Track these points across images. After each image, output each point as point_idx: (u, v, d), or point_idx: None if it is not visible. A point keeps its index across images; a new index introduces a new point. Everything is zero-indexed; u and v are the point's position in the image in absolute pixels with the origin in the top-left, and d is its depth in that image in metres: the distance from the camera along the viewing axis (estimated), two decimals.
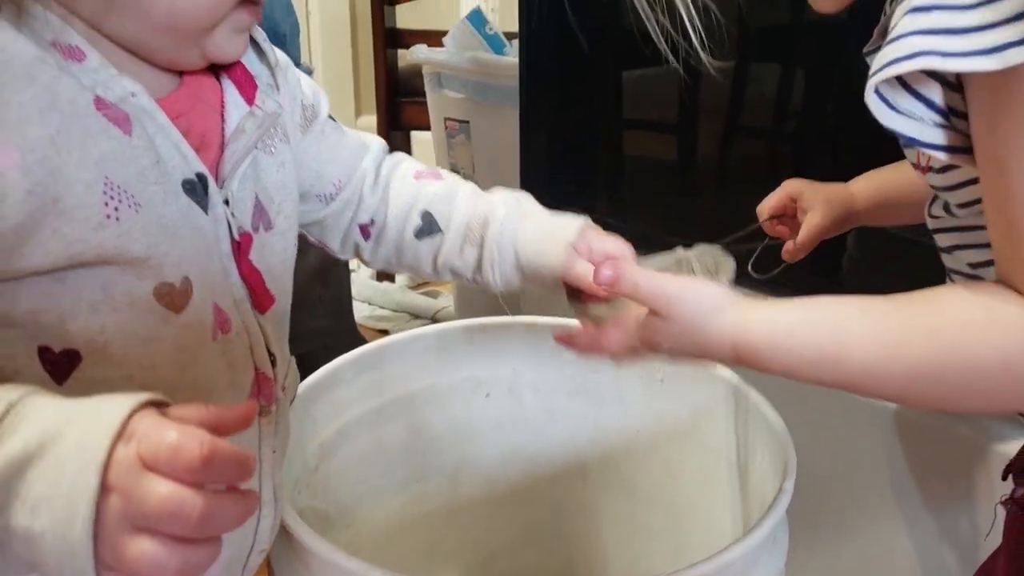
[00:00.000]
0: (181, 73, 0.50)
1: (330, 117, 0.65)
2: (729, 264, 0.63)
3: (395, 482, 0.88)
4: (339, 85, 2.98)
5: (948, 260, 0.63)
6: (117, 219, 0.44)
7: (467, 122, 1.64)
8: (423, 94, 1.77)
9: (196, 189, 0.48)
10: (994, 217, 0.47)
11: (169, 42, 0.47)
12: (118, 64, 0.45)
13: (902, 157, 0.63)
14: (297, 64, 0.63)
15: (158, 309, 0.47)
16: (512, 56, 1.55)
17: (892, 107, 0.46)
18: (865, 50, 0.56)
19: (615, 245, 0.63)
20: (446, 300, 2.01)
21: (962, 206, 0.56)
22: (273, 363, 0.55)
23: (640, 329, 0.55)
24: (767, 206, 0.85)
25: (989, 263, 0.56)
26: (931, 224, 0.62)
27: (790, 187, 0.84)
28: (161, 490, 0.33)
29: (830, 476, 0.95)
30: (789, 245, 0.84)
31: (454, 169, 1.68)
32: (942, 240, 0.62)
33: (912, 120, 0.47)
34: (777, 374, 0.51)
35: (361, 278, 2.11)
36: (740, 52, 1.13)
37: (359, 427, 0.83)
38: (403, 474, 0.89)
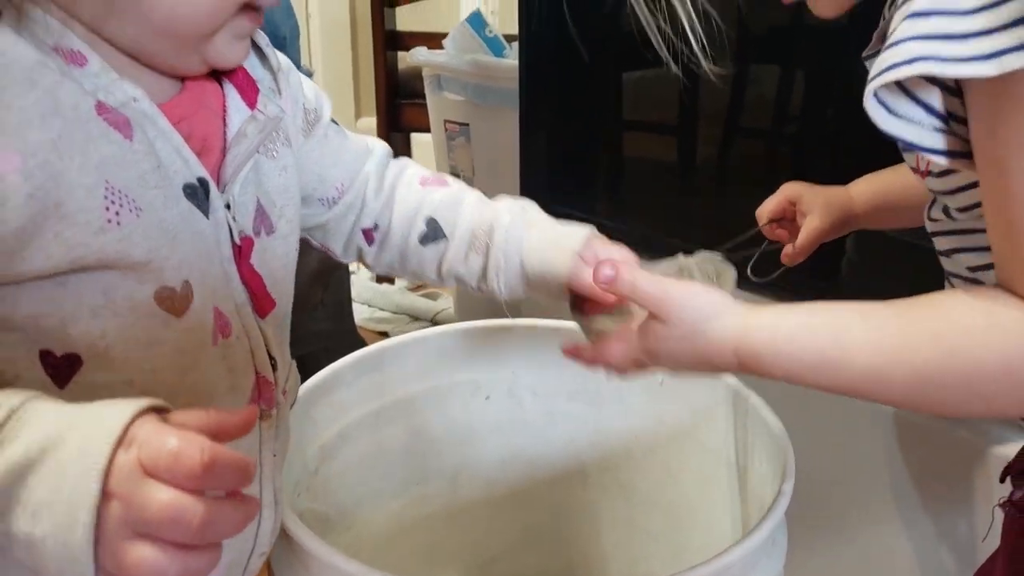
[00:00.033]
0: (183, 78, 0.50)
1: (333, 121, 0.65)
2: (730, 273, 0.64)
3: (395, 484, 0.89)
4: (339, 87, 2.98)
5: (947, 263, 0.63)
6: (118, 223, 0.44)
7: (467, 124, 1.64)
8: (423, 96, 1.78)
9: (197, 193, 0.48)
10: (994, 221, 0.47)
11: (169, 47, 0.47)
12: (119, 69, 0.45)
13: (902, 160, 0.63)
14: (297, 66, 0.63)
15: (159, 313, 0.47)
16: (512, 59, 1.55)
17: (891, 111, 0.46)
18: (864, 54, 0.56)
19: (621, 254, 0.64)
20: (446, 302, 2.01)
21: (961, 210, 0.56)
22: (274, 367, 0.55)
23: (641, 338, 0.55)
24: (766, 210, 0.85)
25: (988, 267, 0.57)
26: (930, 227, 0.62)
27: (789, 190, 0.84)
28: (162, 497, 0.33)
29: (829, 478, 0.95)
30: (788, 249, 0.84)
31: (454, 171, 1.68)
32: (941, 243, 0.62)
33: (911, 124, 0.47)
34: (779, 379, 0.51)
35: (361, 280, 2.11)
36: (740, 54, 1.13)
37: (359, 429, 0.83)
38: (403, 476, 0.89)
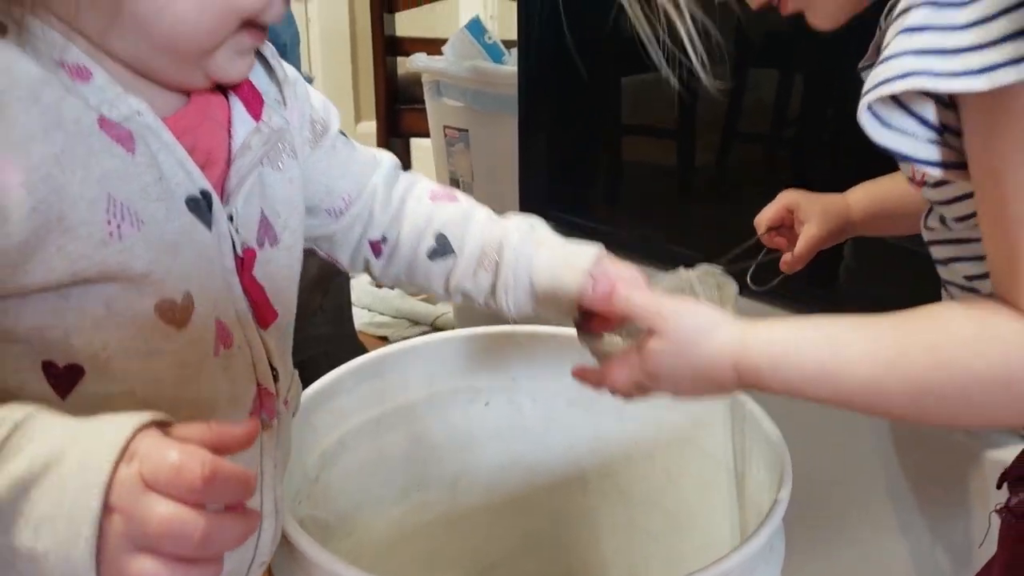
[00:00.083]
0: (189, 91, 0.50)
1: (341, 132, 0.65)
2: (731, 286, 0.64)
3: (395, 491, 0.89)
4: (339, 92, 2.98)
5: (944, 272, 0.63)
6: (120, 236, 0.44)
7: (466, 130, 1.64)
8: (422, 101, 1.78)
9: (200, 205, 0.48)
10: (989, 232, 0.48)
11: (170, 63, 0.47)
12: (125, 83, 0.45)
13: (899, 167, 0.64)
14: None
15: (159, 325, 0.47)
16: (511, 65, 1.55)
17: (885, 124, 0.47)
18: (860, 66, 0.57)
19: (629, 272, 0.64)
20: (445, 306, 2.01)
21: (958, 219, 0.57)
22: (275, 378, 0.55)
23: (642, 360, 0.55)
24: (765, 218, 0.85)
25: (985, 276, 0.57)
26: (927, 236, 0.63)
27: (787, 198, 0.84)
28: (162, 510, 0.33)
29: (827, 482, 0.95)
30: (787, 256, 0.84)
31: (453, 177, 1.68)
32: (938, 252, 0.62)
33: (906, 137, 0.47)
34: (779, 393, 0.52)
35: (360, 284, 2.11)
36: (738, 60, 1.14)
37: (359, 436, 0.84)
38: (403, 483, 0.89)
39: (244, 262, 0.52)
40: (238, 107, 0.52)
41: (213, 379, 0.50)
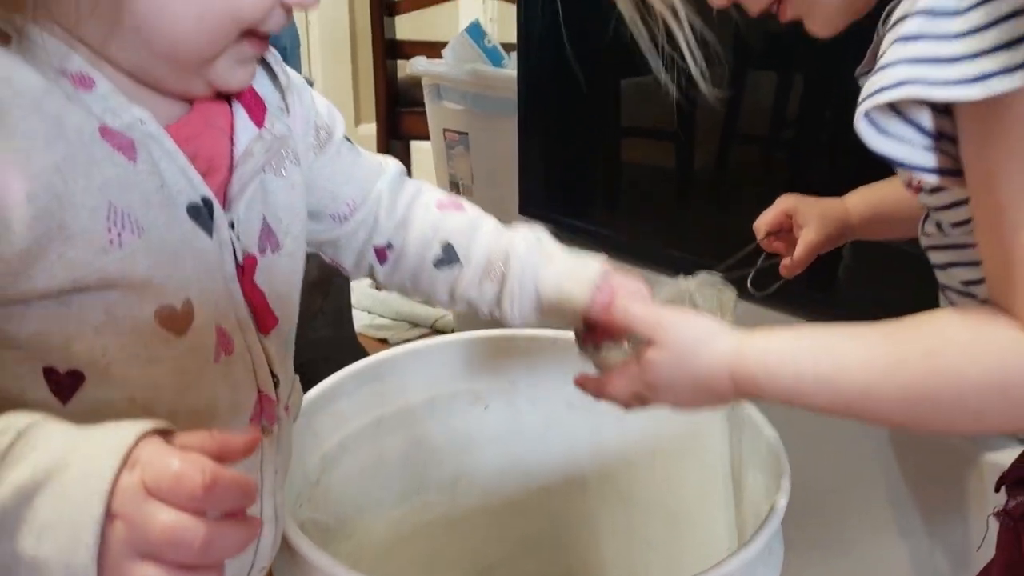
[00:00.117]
0: (191, 99, 0.50)
1: (347, 138, 0.65)
2: (730, 294, 0.64)
3: (395, 494, 0.89)
4: (339, 95, 2.99)
5: (942, 276, 0.63)
6: (120, 244, 0.44)
7: (466, 133, 1.65)
8: (422, 104, 1.78)
9: (201, 213, 0.48)
10: (985, 238, 0.48)
11: (171, 71, 0.47)
12: (128, 91, 0.45)
13: None
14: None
15: (159, 331, 0.47)
16: (510, 68, 1.56)
17: (881, 131, 0.47)
18: (858, 72, 0.57)
19: (635, 285, 0.65)
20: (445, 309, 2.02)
21: (955, 225, 0.57)
22: (276, 384, 0.55)
23: (641, 371, 0.56)
24: (763, 223, 0.86)
25: (982, 281, 0.57)
26: (924, 242, 0.63)
27: (785, 203, 0.85)
28: (164, 518, 0.34)
29: (825, 486, 0.95)
30: (786, 261, 0.85)
31: (453, 180, 1.69)
32: (935, 257, 0.62)
33: (902, 143, 0.47)
34: (777, 401, 0.52)
35: (360, 287, 2.11)
36: (737, 63, 1.14)
37: (360, 439, 0.84)
38: (403, 486, 0.90)
39: (245, 269, 0.52)
40: (241, 114, 0.52)
41: (213, 385, 0.51)
